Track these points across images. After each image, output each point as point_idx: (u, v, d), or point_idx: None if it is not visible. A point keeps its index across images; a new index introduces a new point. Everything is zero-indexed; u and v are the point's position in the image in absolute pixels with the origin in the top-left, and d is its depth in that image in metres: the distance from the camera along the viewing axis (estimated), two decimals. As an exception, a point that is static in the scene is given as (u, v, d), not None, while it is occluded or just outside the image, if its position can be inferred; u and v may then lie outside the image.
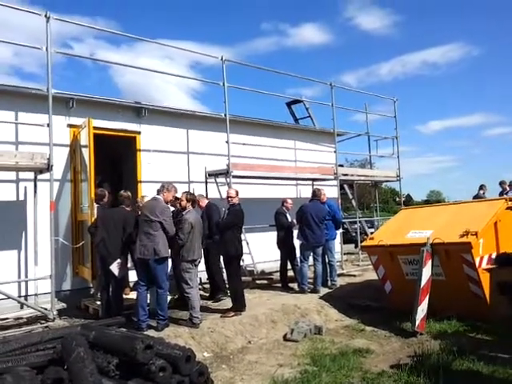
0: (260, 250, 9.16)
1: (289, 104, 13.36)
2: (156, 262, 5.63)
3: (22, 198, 6.95)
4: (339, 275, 8.95)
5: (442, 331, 5.77)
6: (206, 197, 7.90)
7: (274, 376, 4.43)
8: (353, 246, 13.90)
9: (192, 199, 6.34)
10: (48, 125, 6.26)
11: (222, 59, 8.58)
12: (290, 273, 8.52)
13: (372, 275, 8.42)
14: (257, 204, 9.11)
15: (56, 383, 3.56)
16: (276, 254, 8.55)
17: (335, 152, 10.69)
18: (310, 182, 10.97)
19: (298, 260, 8.18)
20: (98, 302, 6.43)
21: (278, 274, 8.67)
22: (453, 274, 6.07)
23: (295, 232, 8.48)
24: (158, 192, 5.92)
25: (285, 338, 5.85)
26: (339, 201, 10.51)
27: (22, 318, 6.13)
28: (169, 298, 6.28)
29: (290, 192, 10.64)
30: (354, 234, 13.94)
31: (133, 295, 6.28)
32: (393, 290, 6.83)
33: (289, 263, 8.47)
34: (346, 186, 13.42)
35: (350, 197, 13.92)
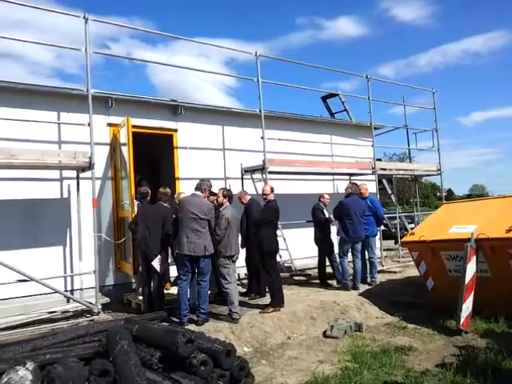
0: (297, 246, 9.10)
1: (324, 98, 13.20)
2: (204, 258, 5.72)
3: (65, 195, 7.18)
4: (379, 272, 8.78)
5: (488, 330, 5.57)
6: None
7: (315, 372, 4.40)
8: (392, 242, 13.60)
9: (229, 195, 6.37)
10: (89, 124, 6.43)
11: (256, 55, 8.57)
12: (329, 269, 8.42)
13: (413, 272, 8.23)
14: (293, 200, 9.06)
15: (102, 375, 3.67)
16: (313, 250, 8.48)
17: (373, 146, 10.48)
18: (347, 177, 10.82)
19: (337, 256, 8.09)
20: (140, 297, 6.58)
21: (316, 270, 8.60)
22: (499, 271, 5.83)
23: (333, 228, 8.40)
24: (199, 189, 5.96)
25: (324, 335, 5.80)
26: (377, 196, 10.32)
27: (68, 312, 6.34)
28: (208, 293, 6.36)
29: (327, 187, 10.52)
30: (393, 230, 13.65)
31: (173, 290, 6.38)
32: (435, 286, 6.64)
33: (327, 259, 8.38)
34: (384, 181, 13.15)
35: (389, 192, 13.64)
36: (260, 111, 8.57)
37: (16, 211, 6.66)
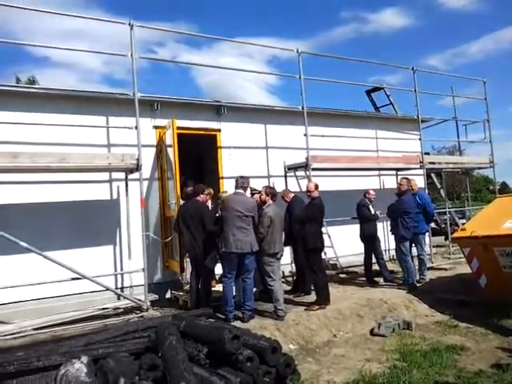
0: (342, 243, 8.98)
1: (368, 92, 12.93)
2: (250, 256, 5.78)
3: (115, 196, 7.44)
4: (428, 269, 8.51)
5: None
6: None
7: (362, 370, 4.34)
8: (442, 238, 13.15)
9: (272, 193, 6.38)
10: (136, 127, 6.64)
11: (297, 51, 8.54)
12: (375, 267, 8.26)
13: (464, 269, 7.92)
14: (338, 196, 8.94)
15: (152, 369, 3.78)
16: (359, 247, 8.34)
17: (420, 139, 10.17)
18: (394, 172, 10.55)
19: (382, 253, 7.92)
20: (188, 294, 6.72)
21: (362, 267, 8.46)
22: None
23: (379, 224, 8.23)
24: (240, 187, 6.02)
25: (372, 333, 5.71)
26: (426, 191, 10.02)
27: (119, 308, 6.58)
28: (253, 290, 6.41)
29: (373, 183, 10.30)
30: (443, 226, 13.19)
31: (219, 287, 6.48)
32: (488, 284, 6.37)
33: (373, 257, 8.22)
34: (433, 175, 12.74)
35: (438, 186, 13.19)
36: (303, 108, 8.53)
37: (69, 213, 6.98)
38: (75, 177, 6.92)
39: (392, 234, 7.81)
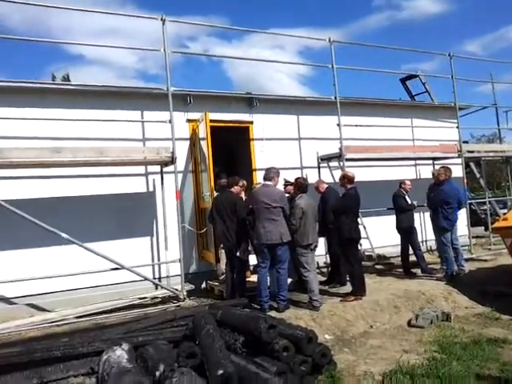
0: (378, 234, 8.85)
1: (403, 80, 12.62)
2: (281, 246, 5.79)
3: (151, 189, 7.60)
4: (467, 260, 8.29)
5: None
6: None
7: (399, 361, 4.28)
8: (482, 228, 12.75)
9: (303, 184, 6.35)
10: (169, 121, 6.75)
11: (329, 41, 8.44)
12: (412, 257, 8.11)
13: (506, 260, 7.68)
14: (373, 187, 8.81)
15: (190, 357, 3.86)
16: (396, 238, 8.20)
17: (458, 127, 9.89)
18: (431, 162, 10.29)
19: (419, 244, 7.75)
20: (223, 284, 6.81)
21: (399, 258, 8.32)
22: None
23: (416, 215, 8.06)
24: (268, 178, 6.02)
25: (409, 324, 5.62)
26: (464, 180, 9.73)
27: (157, 298, 6.73)
28: (288, 280, 6.42)
29: (409, 173, 10.09)
30: (483, 216, 12.78)
31: (254, 278, 6.53)
32: (532, 275, 6.14)
33: (410, 248, 8.07)
34: (472, 164, 12.33)
35: (478, 175, 12.77)
36: (335, 98, 8.44)
37: (108, 205, 7.17)
38: (113, 170, 7.10)
39: (433, 224, 7.63)
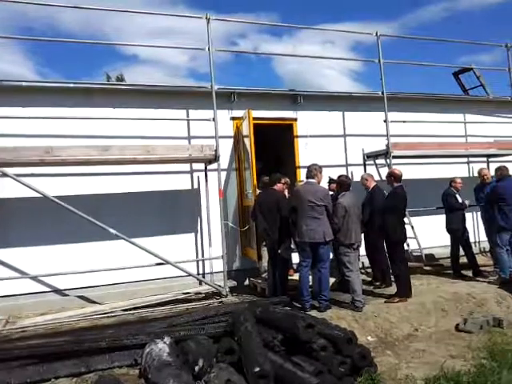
0: (427, 234, 8.53)
1: (456, 74, 12.08)
2: (323, 245, 5.74)
3: (195, 186, 7.73)
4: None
5: None
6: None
7: (444, 366, 4.11)
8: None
9: (346, 182, 6.23)
10: (213, 119, 6.84)
11: (376, 34, 8.23)
12: (463, 259, 7.76)
13: None
14: (422, 185, 8.51)
15: (228, 352, 3.90)
16: (445, 238, 7.88)
17: (515, 123, 9.35)
18: (485, 159, 9.80)
19: (471, 245, 7.39)
20: (265, 282, 6.83)
21: (449, 260, 7.99)
22: None
23: (467, 214, 7.72)
24: (311, 176, 5.95)
25: (457, 329, 5.39)
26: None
27: (200, 293, 6.86)
28: (331, 280, 6.34)
29: (461, 171, 9.64)
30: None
31: (296, 276, 6.50)
32: None
33: (461, 249, 7.73)
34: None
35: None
36: (382, 93, 8.23)
37: (154, 202, 7.37)
38: (159, 168, 7.29)
39: (486, 223, 7.26)
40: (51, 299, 6.70)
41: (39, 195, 5.91)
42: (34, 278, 6.63)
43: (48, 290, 6.77)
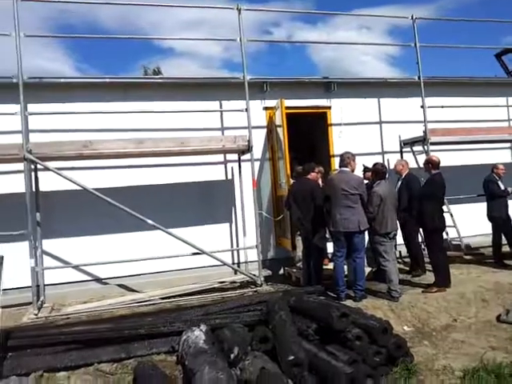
0: (467, 222, 8.28)
1: (498, 55, 11.56)
2: (358, 234, 5.69)
3: (229, 177, 7.80)
4: None
5: None
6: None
7: (484, 358, 4.01)
8: None
9: (382, 170, 6.12)
10: (246, 109, 6.85)
11: (412, 18, 7.98)
12: (506, 248, 7.50)
13: None
14: (462, 172, 8.25)
15: (263, 341, 3.95)
16: (486, 226, 7.63)
17: (563, 105, 8.88)
18: (530, 144, 9.39)
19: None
20: (300, 271, 6.84)
21: (490, 249, 7.74)
22: None
23: (510, 202, 7.43)
24: (344, 164, 5.88)
25: (498, 320, 5.22)
26: None
27: (235, 282, 6.94)
28: (367, 270, 6.27)
29: (503, 156, 9.29)
30: None
31: (331, 265, 6.47)
32: None
33: (503, 237, 7.47)
34: None
35: None
36: (419, 78, 8.00)
37: (190, 193, 7.49)
38: (193, 159, 7.39)
39: None
40: (93, 288, 6.97)
41: (79, 188, 6.11)
42: (77, 268, 6.90)
43: (90, 278, 7.05)
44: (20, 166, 6.08)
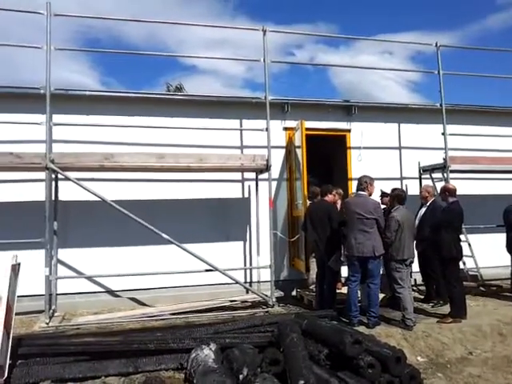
0: (485, 253, 8.10)
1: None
2: (373, 260, 5.62)
3: (246, 195, 7.81)
4: None
5: None
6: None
7: (501, 395, 3.88)
8: None
9: (401, 195, 6.06)
10: (266, 129, 6.89)
11: (436, 45, 8.00)
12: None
13: None
14: (481, 201, 8.15)
15: (273, 363, 3.88)
16: (506, 258, 7.45)
17: None
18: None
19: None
20: (313, 294, 6.75)
21: (509, 281, 7.55)
22: None
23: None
24: (361, 188, 5.84)
25: (516, 355, 5.06)
26: None
27: (247, 302, 6.89)
28: (381, 296, 6.16)
29: (525, 187, 9.12)
30: None
31: (345, 290, 6.38)
32: None
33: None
34: None
35: None
36: (441, 105, 7.97)
37: (205, 209, 7.53)
38: (211, 176, 7.43)
39: None
40: (104, 299, 6.98)
41: (97, 199, 6.17)
42: (89, 279, 6.93)
43: (101, 290, 7.07)
44: (41, 174, 6.19)
